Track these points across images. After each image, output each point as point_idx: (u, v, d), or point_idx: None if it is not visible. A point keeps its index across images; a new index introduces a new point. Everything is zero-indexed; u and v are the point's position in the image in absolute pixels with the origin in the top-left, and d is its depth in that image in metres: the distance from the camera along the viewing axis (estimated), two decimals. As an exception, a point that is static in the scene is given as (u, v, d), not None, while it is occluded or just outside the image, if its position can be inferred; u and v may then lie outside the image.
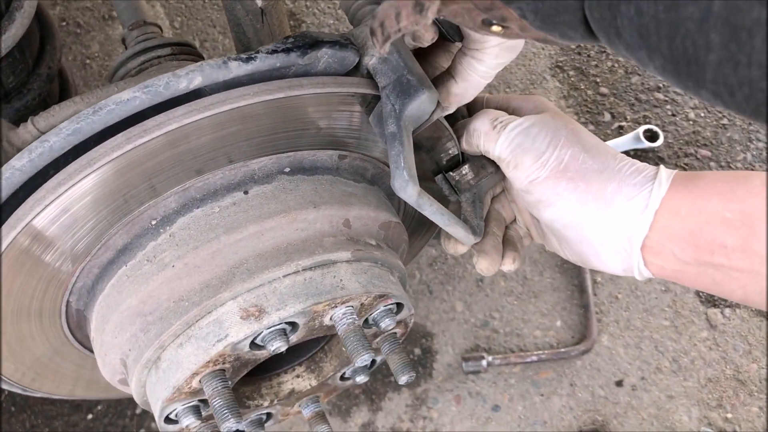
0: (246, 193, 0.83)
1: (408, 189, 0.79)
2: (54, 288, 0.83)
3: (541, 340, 1.74)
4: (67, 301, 0.86)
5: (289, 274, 0.81)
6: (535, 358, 1.68)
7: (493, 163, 0.98)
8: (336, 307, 0.83)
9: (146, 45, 1.06)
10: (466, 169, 0.98)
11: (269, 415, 1.01)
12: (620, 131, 1.94)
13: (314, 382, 1.01)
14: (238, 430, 0.79)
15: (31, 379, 0.96)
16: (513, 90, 2.03)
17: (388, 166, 0.94)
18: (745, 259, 0.74)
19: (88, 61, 2.15)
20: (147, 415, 1.76)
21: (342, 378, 1.03)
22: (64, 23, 2.16)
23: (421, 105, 0.79)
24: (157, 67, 1.04)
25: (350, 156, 0.89)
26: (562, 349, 1.69)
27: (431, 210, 0.85)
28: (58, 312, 0.87)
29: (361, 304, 0.85)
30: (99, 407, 1.78)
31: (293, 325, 0.82)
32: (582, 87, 2.01)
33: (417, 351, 1.75)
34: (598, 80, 2.01)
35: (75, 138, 0.71)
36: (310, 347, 1.02)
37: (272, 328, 0.80)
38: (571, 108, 1.98)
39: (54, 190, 0.72)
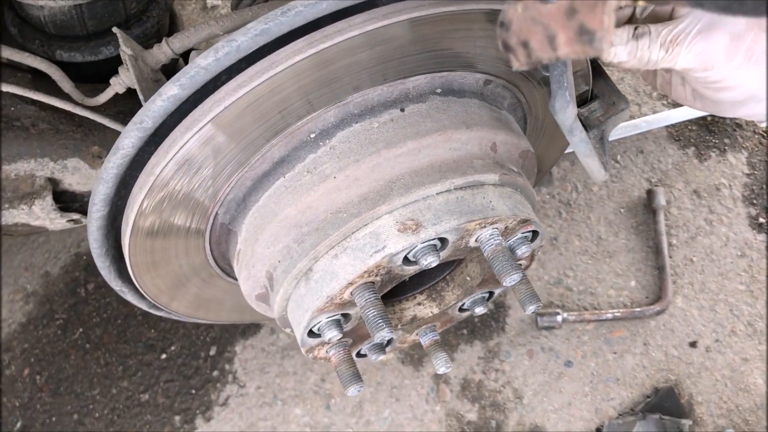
0: (402, 110, 0.84)
1: (568, 110, 0.80)
2: (207, 199, 0.85)
3: (614, 300, 1.75)
4: (215, 214, 0.88)
5: (443, 192, 0.82)
6: (609, 316, 1.69)
7: (625, 99, 0.99)
8: (485, 227, 0.84)
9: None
10: (595, 105, 0.99)
11: (390, 341, 1.03)
12: (698, 97, 1.93)
13: (435, 310, 1.02)
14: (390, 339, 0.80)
15: (170, 298, 0.98)
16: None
17: (525, 97, 0.95)
18: None
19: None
20: (221, 356, 1.79)
21: (461, 309, 1.05)
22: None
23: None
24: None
25: (494, 82, 0.90)
26: (637, 309, 1.70)
27: (580, 137, 0.86)
28: (205, 224, 0.89)
29: (506, 227, 0.86)
30: (173, 348, 1.81)
31: (443, 242, 0.83)
32: (659, 51, 2.00)
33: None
34: (676, 45, 2.00)
35: (262, 38, 0.72)
36: (432, 276, 1.04)
37: (426, 243, 0.81)
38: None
39: (233, 92, 0.73)
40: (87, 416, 1.75)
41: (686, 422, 1.53)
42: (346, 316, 0.88)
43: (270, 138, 0.81)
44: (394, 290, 1.03)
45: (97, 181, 0.79)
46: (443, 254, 0.85)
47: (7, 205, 1.11)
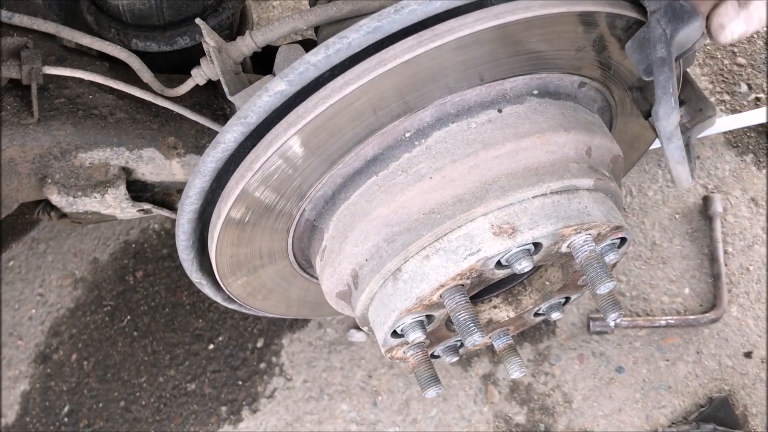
0: (500, 111, 0.82)
1: (672, 116, 0.78)
2: (296, 194, 0.84)
3: (668, 306, 1.72)
4: (303, 210, 0.87)
5: (539, 196, 0.81)
6: (663, 322, 1.67)
7: (712, 106, 0.97)
8: (579, 233, 0.82)
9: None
10: (682, 111, 0.97)
11: (462, 343, 1.02)
12: (757, 103, 1.90)
13: (512, 314, 1.01)
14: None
15: (248, 294, 0.98)
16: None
17: (615, 99, 0.93)
18: None
19: None
20: (268, 349, 1.79)
21: (536, 314, 1.04)
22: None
23: (693, 31, 0.78)
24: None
25: (589, 84, 0.89)
26: (691, 317, 1.68)
27: (677, 144, 0.84)
28: (290, 218, 0.88)
29: (598, 234, 0.85)
30: (221, 338, 1.81)
31: (537, 246, 0.82)
32: (718, 56, 1.97)
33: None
34: (736, 50, 1.97)
35: (374, 36, 0.71)
36: (509, 280, 1.03)
37: (521, 247, 0.80)
38: (705, 77, 1.95)
39: (340, 89, 0.73)
40: (133, 403, 1.76)
41: (741, 434, 1.51)
42: (429, 317, 0.87)
43: (364, 136, 0.81)
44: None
45: (194, 174, 0.79)
46: (536, 258, 0.84)
47: (80, 193, 1.11)
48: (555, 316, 1.02)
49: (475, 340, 0.80)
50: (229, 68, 1.00)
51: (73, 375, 1.81)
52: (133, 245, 1.93)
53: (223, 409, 1.74)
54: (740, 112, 1.86)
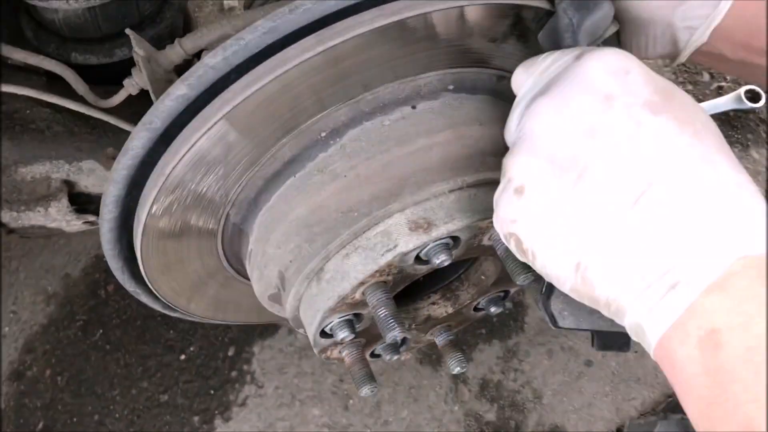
0: (414, 108, 0.83)
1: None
2: (218, 199, 0.85)
3: (635, 298, 1.72)
4: (227, 214, 0.88)
5: (455, 190, 0.81)
6: (630, 314, 1.67)
7: None
8: (498, 225, 0.82)
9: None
10: None
11: (404, 340, 1.02)
12: (720, 92, 1.90)
13: (450, 310, 1.01)
14: (404, 338, 0.79)
15: (187, 300, 0.99)
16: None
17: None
18: None
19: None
20: (239, 357, 1.79)
21: (476, 308, 1.04)
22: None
23: (601, 19, 0.78)
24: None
25: (508, 78, 0.89)
26: (658, 307, 1.67)
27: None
28: (217, 224, 0.88)
29: (520, 225, 0.85)
30: (192, 348, 1.82)
31: (456, 240, 0.82)
32: (680, 46, 1.97)
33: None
34: (697, 40, 1.97)
35: (269, 37, 0.72)
36: (446, 276, 1.03)
37: (438, 242, 0.80)
38: (668, 68, 1.95)
39: (242, 91, 0.73)
40: (107, 417, 1.76)
41: (709, 422, 1.51)
42: (358, 316, 0.87)
43: (281, 137, 0.81)
44: (409, 290, 1.02)
45: (108, 183, 0.79)
46: (456, 253, 0.84)
47: (23, 207, 1.12)
48: (494, 310, 1.02)
49: (395, 335, 0.80)
50: (159, 77, 1.01)
51: (48, 391, 1.81)
52: (104, 259, 1.93)
53: (196, 419, 1.74)
54: (703, 101, 1.86)
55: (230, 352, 1.81)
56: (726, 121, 1.87)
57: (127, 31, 1.00)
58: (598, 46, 0.82)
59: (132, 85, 1.04)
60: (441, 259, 0.80)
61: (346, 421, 1.70)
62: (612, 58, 0.69)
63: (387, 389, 1.71)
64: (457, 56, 0.83)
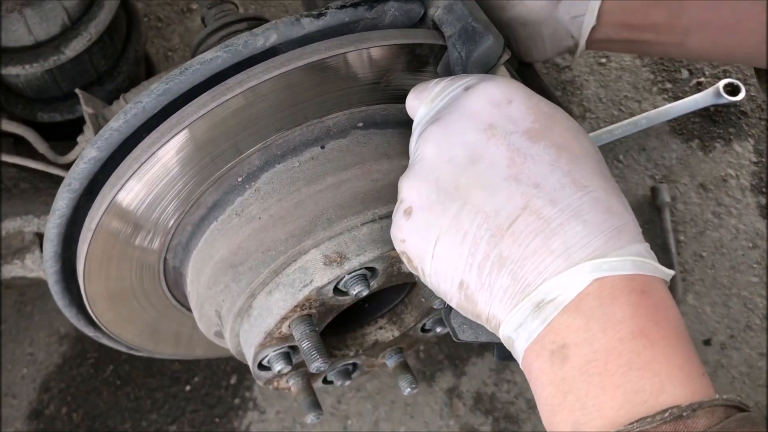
0: (323, 147, 0.87)
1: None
2: (153, 245, 0.90)
3: (623, 302, 1.72)
4: (164, 259, 0.93)
5: (367, 222, 0.85)
6: (618, 319, 1.67)
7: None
8: (413, 253, 0.86)
9: (224, 21, 1.12)
10: None
11: (355, 366, 1.06)
12: (699, 87, 1.89)
13: (396, 333, 1.05)
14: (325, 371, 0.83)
15: (155, 343, 1.04)
16: (586, 53, 2.00)
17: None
18: (671, 34, 0.91)
19: (170, 53, 2.25)
20: (241, 385, 1.85)
21: (423, 329, 1.07)
22: (146, 18, 2.27)
23: (488, 50, 0.81)
24: (235, 40, 1.09)
25: (418, 110, 0.92)
26: (646, 310, 1.67)
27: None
28: (156, 270, 0.94)
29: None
30: (196, 378, 1.88)
31: (373, 271, 0.86)
32: (657, 45, 1.97)
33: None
34: (674, 37, 1.97)
35: (165, 98, 0.77)
36: (391, 300, 1.06)
37: (353, 273, 0.84)
38: (646, 67, 1.95)
39: (148, 149, 0.78)
40: (121, 450, 1.83)
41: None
42: (294, 348, 0.91)
43: (202, 183, 0.86)
44: (358, 315, 1.06)
45: (45, 241, 0.85)
46: (376, 282, 0.87)
47: (1, 261, 1.19)
48: (440, 330, 1.05)
49: (318, 366, 0.84)
50: (107, 131, 1.07)
51: (64, 428, 1.89)
52: (111, 297, 2.01)
53: (203, 447, 1.79)
54: (683, 98, 1.86)
55: (232, 380, 1.86)
56: (707, 117, 1.86)
57: (77, 90, 1.07)
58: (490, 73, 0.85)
59: (84, 141, 1.11)
60: (357, 290, 0.84)
61: (346, 441, 1.73)
62: (495, 89, 0.72)
63: (384, 407, 1.74)
64: (364, 95, 0.87)
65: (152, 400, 1.88)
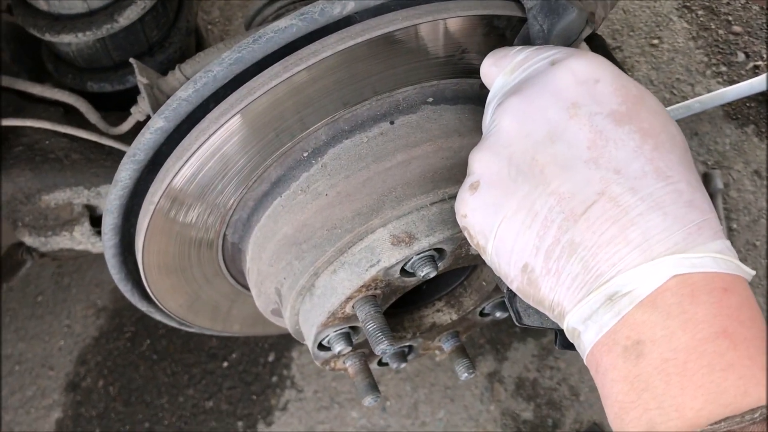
0: (392, 123, 0.84)
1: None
2: (213, 220, 0.88)
3: (672, 290, 1.68)
4: (224, 234, 0.91)
5: (436, 202, 0.82)
6: (666, 307, 1.63)
7: None
8: (483, 234, 0.83)
9: (281, -9, 1.09)
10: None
11: (411, 348, 1.03)
12: (756, 71, 1.83)
13: (454, 317, 1.02)
14: (393, 351, 0.80)
15: (192, 313, 1.02)
16: (637, 34, 1.95)
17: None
18: None
19: (209, 27, 2.23)
20: (279, 362, 1.84)
21: (481, 314, 1.04)
22: (187, -9, 2.25)
23: (571, 24, 0.77)
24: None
25: (491, 85, 0.89)
26: (696, 299, 1.63)
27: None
28: (215, 244, 0.91)
29: (508, 233, 0.85)
30: (234, 355, 1.87)
31: (441, 252, 0.83)
32: (713, 27, 1.91)
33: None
34: (731, 18, 1.90)
35: (237, 67, 0.74)
36: (449, 282, 1.03)
37: (422, 254, 0.81)
38: (700, 49, 1.89)
39: (216, 120, 0.76)
40: (157, 424, 1.83)
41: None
42: (355, 328, 0.89)
43: (266, 158, 0.83)
44: (414, 297, 1.04)
45: (104, 213, 0.83)
46: (444, 264, 0.84)
47: (50, 233, 1.18)
48: (499, 315, 1.02)
49: (384, 348, 0.81)
50: (162, 102, 1.04)
51: (101, 401, 1.90)
52: (149, 272, 2.01)
53: (240, 423, 1.79)
54: (738, 82, 1.80)
55: (270, 358, 1.85)
56: (763, 102, 1.80)
57: (131, 59, 1.04)
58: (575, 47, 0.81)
59: (139, 112, 1.09)
60: (425, 272, 0.81)
61: (384, 423, 1.72)
62: (583, 66, 0.68)
63: (423, 390, 1.73)
64: (435, 69, 0.83)
65: (189, 375, 1.88)
